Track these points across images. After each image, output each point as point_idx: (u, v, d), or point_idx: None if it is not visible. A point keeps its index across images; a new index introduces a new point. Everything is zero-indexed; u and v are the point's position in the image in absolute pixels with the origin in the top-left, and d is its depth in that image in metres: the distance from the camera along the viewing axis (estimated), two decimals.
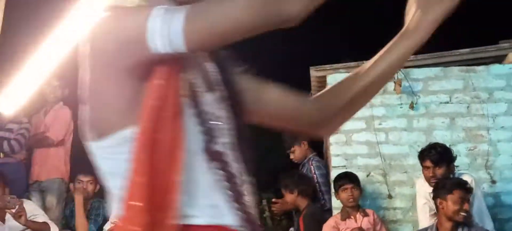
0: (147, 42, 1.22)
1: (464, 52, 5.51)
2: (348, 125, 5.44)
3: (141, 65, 1.26)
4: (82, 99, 1.36)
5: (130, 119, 1.28)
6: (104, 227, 5.19)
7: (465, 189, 4.37)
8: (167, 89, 1.27)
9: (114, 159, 1.32)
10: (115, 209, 1.36)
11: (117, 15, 1.27)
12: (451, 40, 5.95)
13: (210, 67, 1.41)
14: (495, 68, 5.38)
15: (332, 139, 5.48)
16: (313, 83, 5.86)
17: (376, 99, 5.43)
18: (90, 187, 5.42)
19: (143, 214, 1.23)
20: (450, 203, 4.32)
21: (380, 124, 5.43)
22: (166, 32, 1.21)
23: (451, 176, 4.80)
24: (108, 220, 5.16)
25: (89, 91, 1.32)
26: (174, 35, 1.21)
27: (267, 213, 7.02)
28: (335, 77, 5.51)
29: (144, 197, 1.23)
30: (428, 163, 4.80)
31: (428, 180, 4.84)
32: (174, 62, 1.28)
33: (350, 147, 5.44)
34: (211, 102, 1.36)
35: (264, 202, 6.92)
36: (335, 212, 5.26)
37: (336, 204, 5.27)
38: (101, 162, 1.36)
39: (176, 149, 1.26)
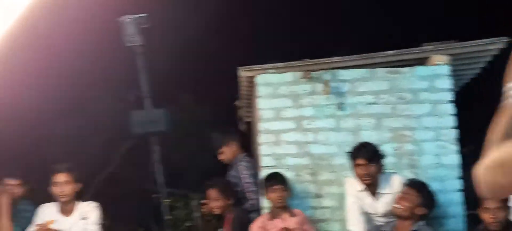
0: None
1: (389, 54, 5.64)
2: (277, 125, 5.48)
3: None
4: None
5: None
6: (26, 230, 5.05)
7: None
8: None
9: None
10: None
11: None
12: (377, 42, 6.10)
13: None
14: (419, 70, 5.53)
15: (262, 138, 5.50)
16: (242, 83, 5.87)
17: (305, 100, 5.50)
18: (17, 190, 5.28)
19: None
20: None
21: (309, 124, 5.49)
22: None
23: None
24: (33, 223, 5.03)
25: None
26: None
27: (196, 214, 6.98)
28: (263, 77, 5.54)
29: None
30: (361, 161, 4.89)
31: (361, 177, 4.93)
32: None
33: (279, 147, 5.48)
34: None
35: (194, 202, 6.88)
36: (264, 212, 5.28)
37: (265, 203, 5.30)
38: None
39: None
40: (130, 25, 6.20)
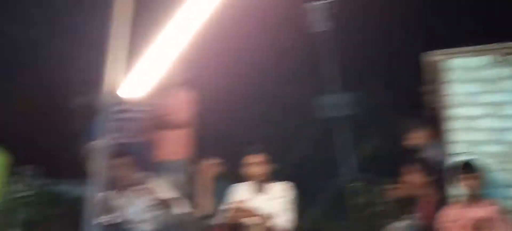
0: None
1: None
2: (469, 111, 5.30)
3: None
4: None
5: None
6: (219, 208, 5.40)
7: None
8: None
9: None
10: None
11: None
12: None
13: None
14: None
15: (452, 125, 5.35)
16: (429, 68, 5.73)
17: (500, 85, 5.25)
18: (216, 169, 5.69)
19: None
20: None
21: (504, 110, 5.23)
22: None
23: None
24: (226, 201, 5.36)
25: None
26: None
27: (382, 199, 6.97)
28: (455, 62, 5.37)
29: None
30: None
31: None
32: None
33: (470, 133, 5.29)
34: None
35: (381, 188, 6.86)
36: (453, 200, 5.14)
37: (455, 191, 5.15)
38: None
39: None
40: (318, 11, 6.33)
